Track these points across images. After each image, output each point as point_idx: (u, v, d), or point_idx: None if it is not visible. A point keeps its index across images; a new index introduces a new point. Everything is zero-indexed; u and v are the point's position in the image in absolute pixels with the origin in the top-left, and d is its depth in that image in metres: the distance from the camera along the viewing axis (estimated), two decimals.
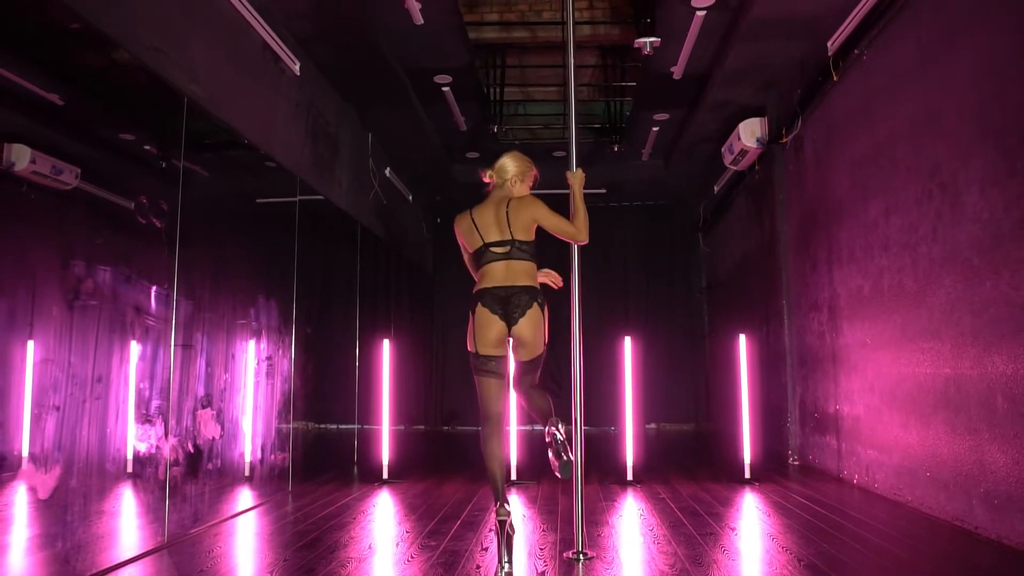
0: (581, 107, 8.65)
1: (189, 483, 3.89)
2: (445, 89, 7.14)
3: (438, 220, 11.10)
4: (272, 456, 5.00)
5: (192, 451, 3.85)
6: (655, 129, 8.27)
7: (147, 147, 4.20)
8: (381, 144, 8.26)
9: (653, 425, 10.45)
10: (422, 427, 10.92)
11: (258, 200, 5.30)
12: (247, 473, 4.75)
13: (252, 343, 4.73)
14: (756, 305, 7.62)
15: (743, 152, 7.35)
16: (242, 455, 4.65)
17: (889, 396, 4.71)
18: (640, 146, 8.87)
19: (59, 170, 3.42)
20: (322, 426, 10.60)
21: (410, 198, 9.76)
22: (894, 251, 4.62)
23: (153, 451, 3.46)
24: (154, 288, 3.57)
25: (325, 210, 6.39)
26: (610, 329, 8.79)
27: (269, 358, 4.89)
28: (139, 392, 3.38)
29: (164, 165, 4.01)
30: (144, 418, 3.38)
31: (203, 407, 3.92)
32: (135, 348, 3.42)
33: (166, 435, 3.53)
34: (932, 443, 4.16)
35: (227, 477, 4.44)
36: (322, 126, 6.41)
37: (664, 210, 10.93)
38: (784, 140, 6.47)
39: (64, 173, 3.45)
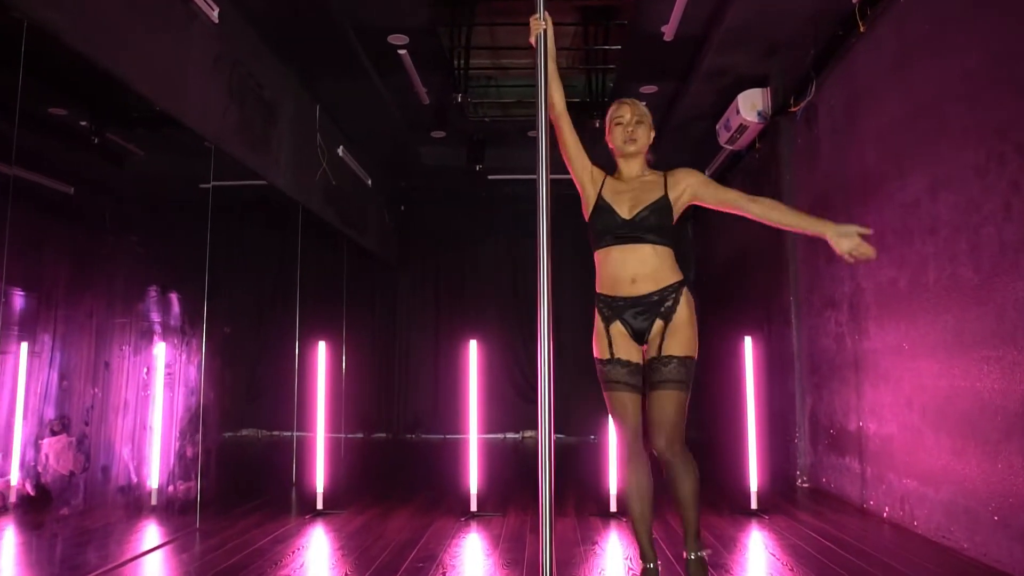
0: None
1: (26, 537, 2.91)
2: (402, 52, 6.17)
3: (402, 207, 10.11)
4: (172, 487, 4.02)
5: (32, 493, 2.86)
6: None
7: None
8: (332, 118, 7.28)
9: None
10: (384, 435, 9.95)
11: (153, 167, 4.31)
12: (133, 513, 3.77)
13: (142, 347, 3.75)
14: (756, 301, 6.72)
15: (742, 128, 6.45)
16: (125, 490, 3.68)
17: (935, 415, 3.81)
18: None
19: None
20: (275, 433, 9.63)
21: (369, 182, 8.77)
22: (944, 235, 3.72)
23: None
24: None
25: (254, 187, 5.40)
26: (590, 327, 7.84)
27: (167, 365, 3.91)
28: None
29: None
30: None
31: (52, 433, 2.94)
32: None
33: None
34: (1002, 478, 3.27)
35: (96, 522, 3.46)
36: (252, 88, 5.42)
37: None
38: (794, 109, 5.57)
39: None
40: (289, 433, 7.93)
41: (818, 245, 5.42)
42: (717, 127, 6.91)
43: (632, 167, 3.00)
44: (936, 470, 3.79)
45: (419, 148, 8.73)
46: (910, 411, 4.06)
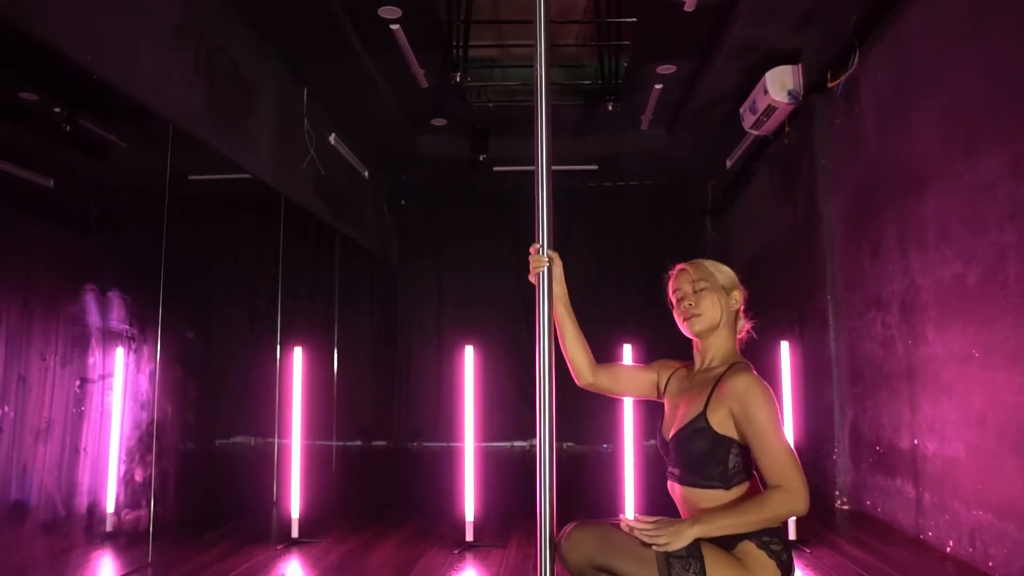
0: (558, 57, 7.10)
1: None
2: (394, 27, 5.59)
3: (403, 202, 9.53)
4: (117, 517, 3.45)
5: None
6: (658, 87, 6.74)
7: None
8: (322, 104, 6.71)
9: (654, 441, 8.93)
10: (384, 443, 9.35)
11: (88, 147, 3.73)
12: (61, 551, 3.20)
13: (72, 356, 3.18)
14: (786, 303, 6.09)
15: (770, 110, 5.84)
16: (49, 526, 3.11)
17: (1019, 436, 3.19)
18: (639, 111, 7.35)
19: None
20: (268, 440, 9.07)
21: (365, 174, 8.20)
22: None
23: None
24: None
25: (227, 174, 4.84)
26: (603, 330, 7.24)
27: (106, 376, 3.34)
28: None
29: None
30: None
31: None
32: None
33: None
34: None
35: (6, 568, 2.89)
36: (224, 65, 4.86)
37: (665, 191, 9.37)
38: (832, 84, 4.94)
39: None
40: (285, 440, 7.42)
41: (861, 238, 4.81)
42: (741, 110, 6.31)
43: (706, 351, 2.19)
44: (1021, 503, 3.17)
45: (418, 138, 8.16)
46: (983, 430, 3.44)
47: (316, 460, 7.39)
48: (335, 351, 7.61)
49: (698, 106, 6.96)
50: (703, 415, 2.04)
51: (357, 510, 5.28)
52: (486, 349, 5.00)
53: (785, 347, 4.16)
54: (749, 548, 1.97)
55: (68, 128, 4.06)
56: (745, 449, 2.00)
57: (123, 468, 3.49)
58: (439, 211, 9.57)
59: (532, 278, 2.09)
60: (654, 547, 1.88)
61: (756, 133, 6.38)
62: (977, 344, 3.48)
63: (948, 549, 3.76)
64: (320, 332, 7.35)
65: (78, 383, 3.17)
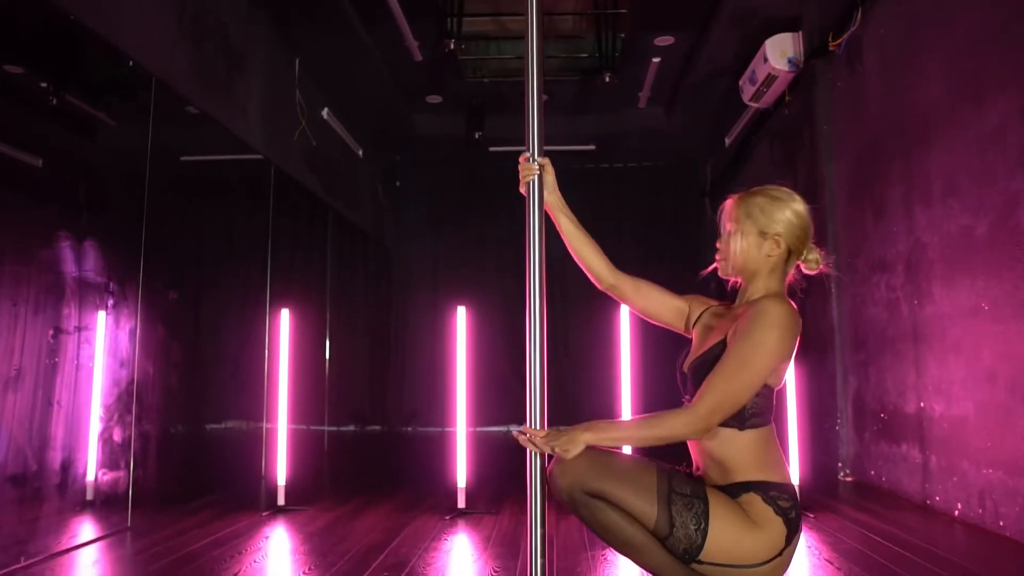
0: (554, 31, 6.97)
1: None
2: None
3: (398, 183, 9.40)
4: (95, 478, 3.32)
5: None
6: (656, 60, 6.63)
7: None
8: (314, 77, 6.57)
9: None
10: (378, 428, 9.21)
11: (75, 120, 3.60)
12: (30, 508, 3.08)
13: (46, 304, 3.05)
14: None
15: (770, 79, 5.72)
16: (19, 480, 2.98)
17: None
18: (637, 87, 7.23)
19: None
20: (262, 424, 8.92)
21: (360, 153, 8.08)
22: None
23: None
24: None
25: (211, 134, 4.71)
26: (602, 314, 7.10)
27: (83, 328, 3.21)
28: None
29: None
30: None
31: None
32: None
33: None
34: None
35: None
36: (212, 28, 4.73)
37: (663, 172, 9.24)
38: (834, 45, 4.81)
39: None
40: (272, 423, 7.29)
41: (863, 202, 4.69)
42: (740, 82, 6.20)
43: (743, 290, 1.99)
44: None
45: (413, 115, 8.04)
46: (993, 386, 3.32)
47: (308, 443, 7.26)
48: (327, 331, 7.48)
49: (696, 80, 6.84)
50: (725, 341, 1.84)
51: (348, 484, 5.16)
52: (482, 331, 4.87)
53: None
54: (754, 501, 1.79)
55: (55, 101, 3.95)
56: (767, 388, 1.82)
57: (101, 426, 3.36)
58: (435, 192, 9.45)
59: (522, 188, 1.96)
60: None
61: (756, 105, 6.26)
62: (986, 297, 3.36)
63: (956, 512, 3.63)
64: (312, 314, 7.21)
65: (51, 332, 3.04)
